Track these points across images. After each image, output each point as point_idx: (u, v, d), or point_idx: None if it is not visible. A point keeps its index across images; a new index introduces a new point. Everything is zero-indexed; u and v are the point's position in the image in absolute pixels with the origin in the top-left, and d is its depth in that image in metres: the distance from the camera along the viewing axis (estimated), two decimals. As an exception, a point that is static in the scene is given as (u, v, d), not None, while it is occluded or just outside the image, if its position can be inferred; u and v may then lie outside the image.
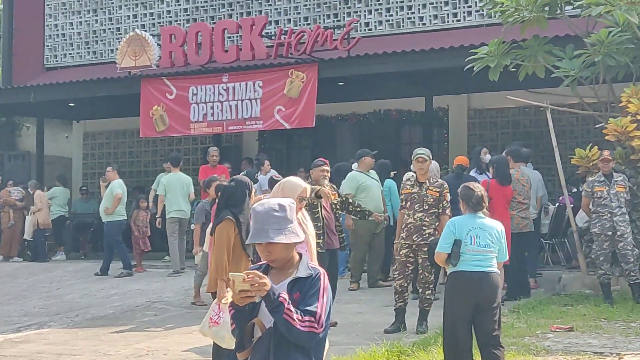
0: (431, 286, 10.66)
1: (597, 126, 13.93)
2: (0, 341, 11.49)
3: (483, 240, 7.76)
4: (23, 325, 12.57)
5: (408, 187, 10.93)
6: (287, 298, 4.40)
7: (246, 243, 4.72)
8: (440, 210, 10.65)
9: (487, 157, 14.75)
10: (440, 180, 11.15)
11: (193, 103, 17.89)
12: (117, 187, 17.21)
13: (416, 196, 10.77)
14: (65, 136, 24.67)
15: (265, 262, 4.67)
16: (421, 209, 10.68)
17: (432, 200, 10.69)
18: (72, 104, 20.78)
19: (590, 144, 13.56)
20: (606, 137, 13.17)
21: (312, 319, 4.42)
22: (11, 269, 18.69)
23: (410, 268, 10.73)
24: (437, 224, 10.65)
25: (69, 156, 23.99)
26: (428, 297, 10.63)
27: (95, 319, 12.84)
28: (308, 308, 4.45)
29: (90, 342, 11.08)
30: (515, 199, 12.80)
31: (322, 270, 4.63)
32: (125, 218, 17.47)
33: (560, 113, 15.69)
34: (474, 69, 13.73)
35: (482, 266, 7.72)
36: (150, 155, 22.37)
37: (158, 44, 18.66)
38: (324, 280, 4.57)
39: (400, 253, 10.74)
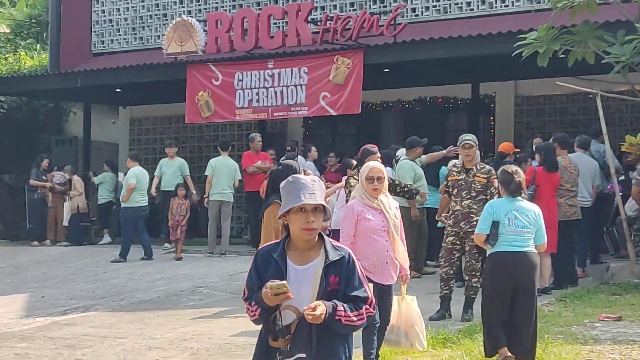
0: (478, 274, 10.55)
1: (647, 113, 13.72)
2: (47, 323, 11.59)
3: (520, 222, 7.96)
4: (70, 308, 12.65)
5: (454, 173, 10.84)
6: (341, 307, 4.45)
7: (289, 207, 4.56)
8: (488, 197, 10.53)
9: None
10: (487, 166, 11.04)
11: (238, 89, 17.90)
12: (130, 176, 17.54)
13: (463, 183, 10.69)
14: (112, 122, 24.81)
15: (279, 240, 4.67)
16: (468, 196, 10.60)
17: (479, 186, 10.59)
18: (118, 90, 20.90)
19: (641, 132, 13.36)
20: (657, 125, 12.97)
21: (367, 305, 4.55)
22: (58, 253, 18.86)
23: (456, 255, 10.67)
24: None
25: (116, 142, 24.12)
26: (474, 284, 10.53)
27: (140, 303, 12.90)
28: (359, 294, 4.54)
29: (135, 325, 11.13)
30: (562, 186, 12.64)
31: (348, 249, 4.69)
32: (143, 205, 17.64)
33: (609, 100, 15.49)
34: (522, 55, 13.55)
35: (520, 246, 7.93)
36: (196, 141, 22.43)
37: (204, 30, 18.68)
38: (355, 258, 4.66)
39: (447, 240, 10.67)
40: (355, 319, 4.46)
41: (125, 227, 17.51)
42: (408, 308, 8.17)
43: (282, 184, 4.69)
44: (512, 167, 8.40)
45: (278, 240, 4.69)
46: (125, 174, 21.29)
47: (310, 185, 4.58)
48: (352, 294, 4.52)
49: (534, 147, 14.40)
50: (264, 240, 7.97)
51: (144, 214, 17.76)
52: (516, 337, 7.92)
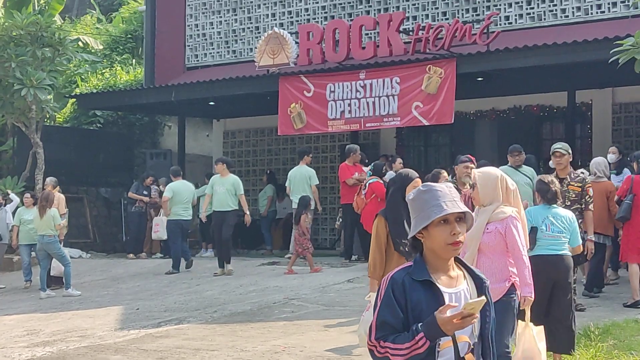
0: (573, 285, 10.29)
1: None
2: (141, 335, 11.66)
3: (557, 227, 8.63)
4: (163, 321, 12.72)
5: (549, 183, 10.61)
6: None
7: (432, 219, 3.88)
8: (583, 206, 10.29)
9: (610, 157, 14.05)
10: (581, 174, 10.78)
11: (330, 100, 17.88)
12: (167, 190, 18.17)
13: (558, 192, 10.45)
14: (205, 135, 25.04)
15: (409, 264, 4.00)
16: (563, 205, 10.34)
17: (574, 195, 10.36)
18: (212, 103, 21.07)
19: None
20: None
21: None
22: (153, 266, 19.06)
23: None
24: (580, 220, 10.31)
25: (210, 154, 24.33)
26: (570, 296, 10.27)
27: (233, 315, 12.91)
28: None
29: (227, 337, 11.13)
30: (661, 195, 12.26)
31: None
32: (184, 218, 18.08)
33: None
34: (619, 62, 13.21)
35: (557, 250, 8.55)
36: (288, 153, 22.47)
37: (296, 42, 18.74)
38: None
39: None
40: None
41: (173, 239, 17.99)
42: (529, 338, 7.52)
43: (410, 196, 4.05)
44: (549, 177, 9.00)
45: (407, 265, 4.01)
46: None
47: (449, 192, 3.96)
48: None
49: (607, 156, 14.00)
50: (372, 256, 7.71)
51: (187, 227, 18.33)
52: (557, 332, 8.46)
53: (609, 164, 13.70)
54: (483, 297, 3.81)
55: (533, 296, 7.37)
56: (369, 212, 15.95)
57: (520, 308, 7.39)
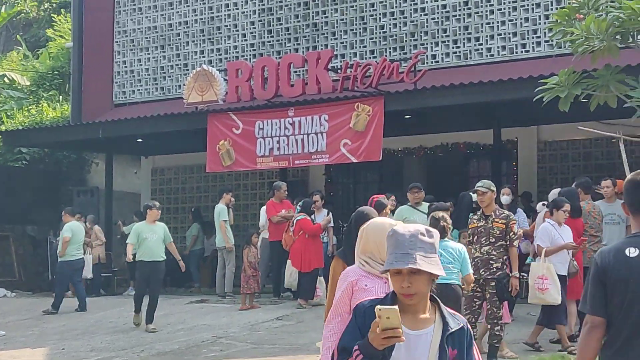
0: (500, 322, 10.40)
1: (671, 157, 13.53)
2: (66, 376, 11.48)
3: (446, 259, 9.24)
4: (89, 361, 12.55)
5: (474, 221, 10.78)
6: None
7: (383, 270, 3.94)
8: (508, 242, 10.42)
9: (504, 199, 14.18)
10: (506, 212, 10.95)
11: (259, 137, 17.88)
12: (65, 230, 17.95)
13: (482, 229, 10.59)
14: (133, 172, 24.85)
15: (383, 297, 4.01)
16: (488, 242, 10.49)
17: (498, 232, 10.48)
18: (140, 140, 20.93)
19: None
20: (682, 168, 12.75)
21: None
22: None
23: (477, 303, 10.52)
24: (505, 257, 10.44)
25: (138, 192, 24.14)
26: (497, 332, 10.37)
27: (160, 354, 12.77)
28: None
29: (154, 377, 11.00)
30: (586, 232, 12.47)
31: (463, 317, 4.16)
32: (79, 258, 18.19)
33: (633, 144, 15.33)
34: (544, 100, 13.43)
35: (446, 279, 8.96)
36: (217, 190, 22.33)
37: (224, 79, 18.72)
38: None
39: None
40: None
41: (61, 280, 18.11)
42: None
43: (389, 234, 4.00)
44: (440, 214, 9.73)
45: (380, 297, 4.02)
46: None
47: (408, 242, 3.85)
48: None
49: (502, 198, 14.14)
50: (329, 300, 6.79)
51: (80, 267, 18.33)
52: None
53: (502, 205, 13.84)
54: (395, 307, 3.69)
55: None
56: (297, 250, 15.98)
57: None
